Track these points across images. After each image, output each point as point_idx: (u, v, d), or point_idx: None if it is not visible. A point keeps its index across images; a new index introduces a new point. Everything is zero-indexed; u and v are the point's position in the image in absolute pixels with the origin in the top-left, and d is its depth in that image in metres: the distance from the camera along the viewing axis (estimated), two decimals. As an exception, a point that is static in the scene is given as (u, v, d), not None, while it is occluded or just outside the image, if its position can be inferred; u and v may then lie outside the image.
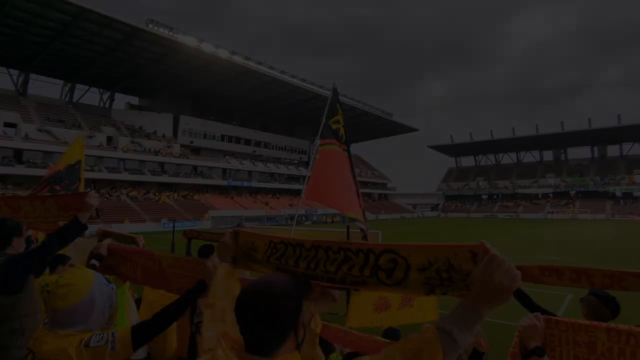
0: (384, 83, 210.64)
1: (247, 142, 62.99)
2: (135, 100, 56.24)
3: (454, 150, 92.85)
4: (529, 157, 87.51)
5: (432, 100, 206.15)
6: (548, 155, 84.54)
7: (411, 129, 79.83)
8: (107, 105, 51.97)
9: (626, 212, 62.56)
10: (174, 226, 14.71)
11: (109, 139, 45.34)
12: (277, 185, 61.32)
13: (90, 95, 50.47)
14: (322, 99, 58.14)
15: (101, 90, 50.88)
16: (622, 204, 67.07)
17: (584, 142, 77.03)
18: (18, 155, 36.80)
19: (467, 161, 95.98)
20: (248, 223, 43.37)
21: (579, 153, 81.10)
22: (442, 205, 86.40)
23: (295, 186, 63.45)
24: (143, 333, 1.57)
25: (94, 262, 2.19)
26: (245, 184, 56.40)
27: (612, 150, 77.05)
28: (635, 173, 69.33)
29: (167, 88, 50.81)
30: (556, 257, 17.64)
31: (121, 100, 55.42)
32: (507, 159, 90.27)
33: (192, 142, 54.46)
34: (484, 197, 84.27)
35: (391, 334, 3.18)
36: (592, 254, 18.91)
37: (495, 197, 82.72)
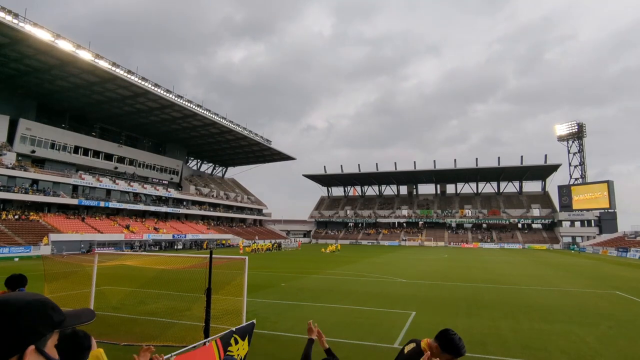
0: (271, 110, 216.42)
1: (109, 157, 55.88)
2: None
3: (326, 180, 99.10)
4: (389, 190, 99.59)
5: (315, 131, 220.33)
6: (403, 190, 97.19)
7: (289, 158, 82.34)
8: None
9: (458, 241, 76.02)
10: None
11: None
12: (141, 207, 55.22)
13: None
14: (199, 117, 55.77)
15: None
16: (455, 233, 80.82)
17: (430, 180, 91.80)
18: None
19: (338, 191, 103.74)
20: (103, 249, 37.82)
21: (426, 189, 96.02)
22: (313, 232, 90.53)
23: (163, 208, 58.33)
24: None
25: None
26: (102, 204, 49.34)
27: (450, 188, 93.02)
28: (466, 208, 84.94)
29: (3, 84, 42.08)
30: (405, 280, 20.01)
31: None
32: (371, 191, 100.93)
33: (33, 151, 45.71)
34: (350, 224, 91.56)
35: None
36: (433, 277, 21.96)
37: (359, 225, 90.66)
